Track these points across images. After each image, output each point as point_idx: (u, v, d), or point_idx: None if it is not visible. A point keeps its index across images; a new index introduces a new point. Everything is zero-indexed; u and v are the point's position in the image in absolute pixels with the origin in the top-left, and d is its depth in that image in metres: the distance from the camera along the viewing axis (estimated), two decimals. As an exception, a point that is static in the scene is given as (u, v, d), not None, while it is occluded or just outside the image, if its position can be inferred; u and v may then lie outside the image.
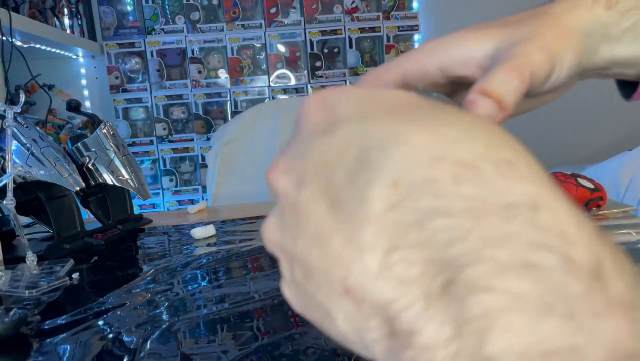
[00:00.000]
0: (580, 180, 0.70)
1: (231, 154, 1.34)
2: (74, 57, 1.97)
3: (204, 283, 0.63)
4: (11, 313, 0.52)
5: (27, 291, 0.61)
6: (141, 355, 0.45)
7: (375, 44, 2.04)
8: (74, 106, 0.90)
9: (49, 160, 0.77)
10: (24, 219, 0.85)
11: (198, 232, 0.82)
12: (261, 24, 1.99)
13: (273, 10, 1.99)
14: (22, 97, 0.73)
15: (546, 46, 0.23)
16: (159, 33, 1.99)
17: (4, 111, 0.71)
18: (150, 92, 2.01)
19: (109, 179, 0.86)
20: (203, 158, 2.05)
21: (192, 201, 2.07)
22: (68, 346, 0.48)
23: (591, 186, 0.69)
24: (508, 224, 0.12)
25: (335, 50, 2.03)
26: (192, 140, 2.05)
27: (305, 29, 2.00)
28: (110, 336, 0.49)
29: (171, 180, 2.09)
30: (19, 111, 0.72)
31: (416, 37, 2.05)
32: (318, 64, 2.03)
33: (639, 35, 0.25)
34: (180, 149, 2.06)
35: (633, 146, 1.24)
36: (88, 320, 0.53)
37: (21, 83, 1.62)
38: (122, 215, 0.91)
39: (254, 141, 1.35)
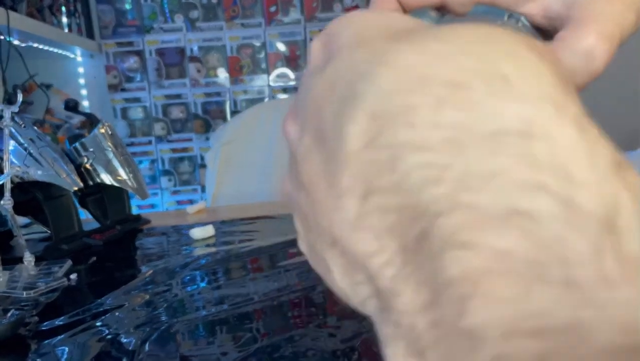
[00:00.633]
0: (580, 180, 0.70)
1: (230, 154, 1.33)
2: (72, 56, 1.97)
3: (203, 284, 0.62)
4: (9, 314, 0.51)
5: (25, 292, 0.61)
6: (140, 356, 0.45)
7: (374, 43, 2.04)
8: (72, 106, 0.89)
9: (47, 160, 0.76)
10: (22, 220, 0.84)
11: (197, 232, 0.82)
12: (261, 22, 1.99)
13: (273, 8, 1.99)
14: (20, 97, 0.72)
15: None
16: (157, 32, 1.98)
17: (2, 110, 0.71)
18: (149, 92, 2.00)
19: (107, 179, 0.86)
20: (202, 158, 2.05)
21: (191, 202, 2.07)
22: (66, 348, 0.48)
23: (592, 186, 0.69)
24: (492, 158, 0.10)
25: (335, 49, 2.03)
26: (191, 140, 2.05)
27: (305, 28, 2.00)
28: (109, 337, 0.49)
29: (170, 180, 2.08)
30: (16, 110, 0.72)
31: (415, 36, 2.04)
32: (317, 63, 2.02)
33: None
34: (179, 149, 2.06)
35: (633, 146, 1.24)
36: (86, 321, 0.53)
37: (19, 82, 1.61)
38: (121, 215, 0.90)
39: (254, 141, 1.35)
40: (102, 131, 0.88)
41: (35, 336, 0.50)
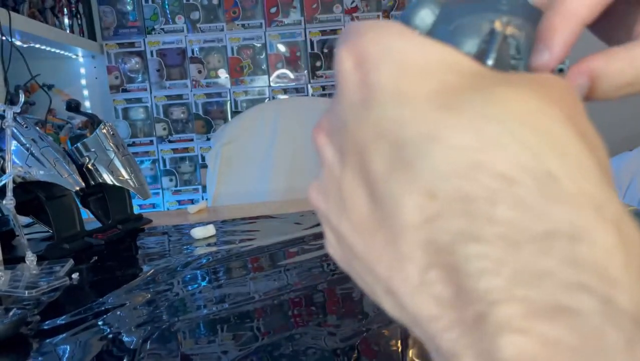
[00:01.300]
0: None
1: (231, 154, 1.34)
2: (74, 57, 1.97)
3: (203, 283, 0.63)
4: (11, 313, 0.52)
5: (27, 291, 0.61)
6: (141, 355, 0.45)
7: (375, 44, 2.04)
8: (73, 106, 0.90)
9: (48, 160, 0.77)
10: (24, 219, 0.85)
11: (198, 232, 0.82)
12: (261, 23, 1.99)
13: (273, 10, 1.99)
14: (22, 97, 0.73)
15: None
16: (158, 33, 1.99)
17: (4, 111, 0.71)
18: (150, 92, 2.01)
19: (108, 179, 0.86)
20: (203, 158, 2.05)
21: (192, 201, 2.07)
22: (68, 347, 0.48)
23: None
24: (543, 258, 0.11)
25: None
26: (192, 140, 2.05)
27: (305, 29, 2.00)
28: (110, 336, 0.49)
29: (171, 180, 2.08)
30: (18, 111, 0.72)
31: (416, 37, 2.04)
32: (318, 64, 2.03)
33: None
34: (180, 149, 2.06)
35: (633, 146, 1.24)
36: (88, 320, 0.53)
37: (21, 83, 1.62)
38: (122, 215, 0.91)
39: (254, 141, 1.35)
40: (104, 131, 0.88)
41: (37, 335, 0.51)
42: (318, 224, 0.85)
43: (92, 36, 1.94)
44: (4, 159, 0.71)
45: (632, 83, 0.18)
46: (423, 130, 0.13)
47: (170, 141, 2.05)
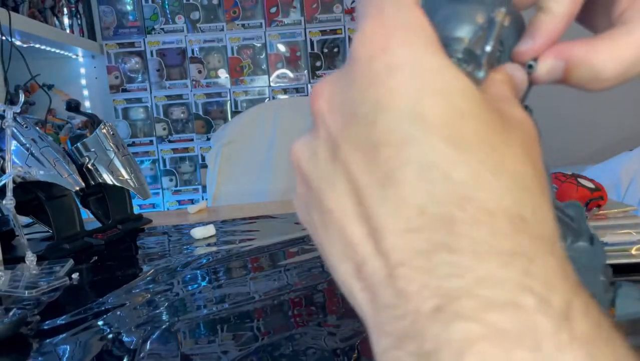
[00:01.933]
0: (580, 180, 0.70)
1: (231, 154, 1.34)
2: (74, 57, 1.97)
3: (204, 283, 0.63)
4: (11, 313, 0.51)
5: (27, 291, 0.61)
6: (141, 355, 0.45)
7: (375, 43, 2.04)
8: (73, 106, 0.90)
9: (48, 160, 0.77)
10: (24, 219, 0.85)
11: (198, 232, 0.82)
12: (261, 23, 1.99)
13: (273, 10, 1.99)
14: (22, 97, 0.73)
15: None
16: (158, 33, 1.99)
17: (4, 111, 0.71)
18: (150, 92, 2.01)
19: (108, 179, 0.86)
20: (203, 158, 2.05)
21: (192, 201, 2.07)
22: (68, 347, 0.48)
23: (591, 186, 0.69)
24: (504, 269, 0.14)
25: (336, 50, 2.03)
26: (192, 140, 2.05)
27: (305, 29, 2.00)
28: (110, 336, 0.49)
29: (171, 180, 2.08)
30: (18, 111, 0.72)
31: (416, 37, 2.04)
32: (318, 63, 2.03)
33: None
34: (180, 149, 2.06)
35: (633, 146, 1.24)
36: (88, 320, 0.53)
37: (21, 83, 1.62)
38: (122, 215, 0.91)
39: (254, 141, 1.35)
40: (104, 131, 0.88)
41: (36, 335, 0.51)
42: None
43: (92, 36, 1.94)
44: (3, 159, 0.71)
45: (609, 78, 0.19)
46: (430, 157, 0.15)
47: (170, 141, 2.05)
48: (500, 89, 0.18)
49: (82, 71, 2.01)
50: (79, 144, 0.87)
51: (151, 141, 2.05)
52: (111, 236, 0.84)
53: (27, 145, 0.75)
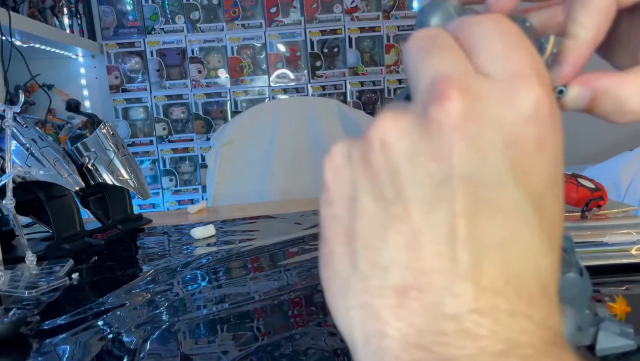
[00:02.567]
0: (580, 180, 0.70)
1: (231, 154, 1.33)
2: (74, 57, 1.97)
3: (203, 283, 0.63)
4: (11, 313, 0.51)
5: (26, 291, 0.61)
6: (141, 355, 0.45)
7: (375, 43, 2.04)
8: (73, 106, 0.90)
9: (48, 160, 0.76)
10: (24, 219, 0.85)
11: (198, 232, 0.82)
12: (261, 23, 1.99)
13: (273, 10, 1.99)
14: (22, 97, 0.73)
15: None
16: (158, 33, 1.99)
17: (4, 110, 0.71)
18: (150, 92, 2.01)
19: (108, 179, 0.86)
20: (203, 158, 2.05)
21: (192, 201, 2.07)
22: (68, 347, 0.48)
23: (591, 186, 0.69)
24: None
25: (336, 50, 2.03)
26: (192, 140, 2.05)
27: (305, 29, 2.00)
28: (110, 336, 0.49)
29: (171, 180, 2.08)
30: (18, 110, 0.72)
31: (416, 37, 2.04)
32: (318, 63, 2.03)
33: None
34: (180, 149, 2.06)
35: (633, 146, 1.24)
36: (88, 320, 0.53)
37: (21, 83, 1.62)
38: (122, 215, 0.91)
39: (254, 141, 1.35)
40: (104, 131, 0.88)
41: (36, 335, 0.51)
42: (318, 224, 0.85)
43: (92, 36, 1.94)
44: (3, 159, 0.71)
45: (634, 111, 0.19)
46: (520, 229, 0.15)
47: (170, 141, 2.05)
48: None
49: (82, 70, 2.01)
50: (78, 144, 0.87)
51: (151, 141, 2.04)
52: (111, 236, 0.84)
53: (27, 145, 0.75)
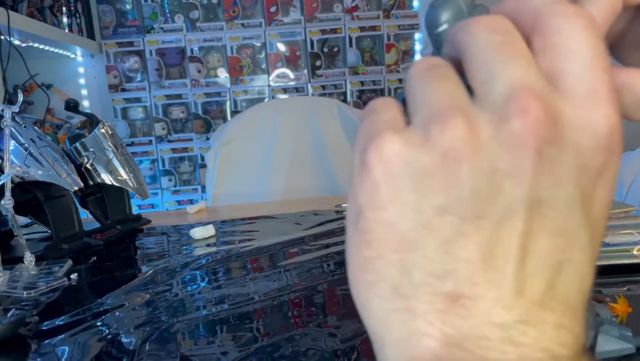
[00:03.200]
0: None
1: (230, 154, 1.33)
2: (73, 56, 1.97)
3: (203, 284, 0.62)
4: (9, 314, 0.51)
5: (25, 292, 0.61)
6: (140, 356, 0.45)
7: (375, 43, 2.03)
8: (72, 106, 0.89)
9: (47, 160, 0.76)
10: (23, 220, 0.84)
11: (197, 232, 0.82)
12: (261, 23, 1.99)
13: (273, 9, 1.99)
14: (21, 97, 0.72)
15: None
16: (158, 32, 1.98)
17: (2, 110, 0.71)
18: (149, 92, 2.00)
19: (107, 179, 0.86)
20: (202, 158, 2.05)
21: (191, 201, 2.07)
22: (67, 347, 0.48)
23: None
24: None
25: (336, 49, 2.03)
26: (191, 140, 2.05)
27: (305, 28, 2.00)
28: (109, 337, 0.49)
29: (170, 180, 2.08)
30: (17, 110, 0.72)
31: (417, 36, 2.04)
32: (318, 63, 2.02)
33: None
34: (180, 149, 2.06)
35: (635, 146, 1.24)
36: (87, 321, 0.53)
37: (19, 82, 1.61)
38: (121, 215, 0.90)
39: (254, 141, 1.35)
40: (103, 131, 0.88)
41: (35, 335, 0.50)
42: (318, 225, 0.85)
43: (91, 35, 1.94)
44: (2, 159, 0.70)
45: None
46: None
47: (169, 141, 2.05)
48: None
49: (81, 70, 2.01)
50: (77, 144, 0.86)
51: (150, 141, 2.04)
52: (110, 237, 0.84)
53: (26, 145, 0.75)
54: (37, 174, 0.74)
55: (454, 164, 0.15)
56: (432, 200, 0.15)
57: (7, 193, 0.68)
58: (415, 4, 2.03)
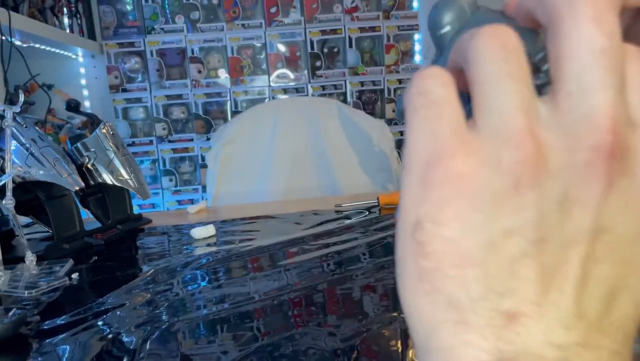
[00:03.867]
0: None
1: (231, 154, 1.33)
2: (74, 56, 1.97)
3: (203, 283, 0.63)
4: (11, 313, 0.51)
5: (26, 292, 0.61)
6: (141, 355, 0.45)
7: (375, 43, 2.04)
8: (73, 106, 0.90)
9: (48, 160, 0.76)
10: (24, 219, 0.85)
11: (198, 232, 0.82)
12: (261, 23, 1.99)
13: (273, 10, 1.99)
14: (22, 97, 0.72)
15: None
16: (158, 33, 1.99)
17: (4, 110, 0.71)
18: (150, 92, 2.01)
19: (108, 179, 0.86)
20: (203, 158, 2.05)
21: (192, 201, 2.07)
22: (68, 347, 0.48)
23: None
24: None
25: (336, 50, 2.03)
26: (192, 140, 2.05)
27: (305, 29, 2.00)
28: (110, 336, 0.49)
29: (171, 180, 2.08)
30: (18, 110, 0.72)
31: (416, 36, 2.05)
32: (318, 63, 2.03)
33: None
34: (180, 149, 2.06)
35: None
36: (88, 320, 0.53)
37: (21, 83, 1.62)
38: (122, 215, 0.91)
39: (254, 141, 1.35)
40: (104, 131, 0.88)
41: (36, 335, 0.51)
42: (318, 224, 0.85)
43: (91, 36, 1.94)
44: (3, 159, 0.71)
45: None
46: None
47: (170, 141, 2.05)
48: None
49: (82, 70, 2.01)
50: (78, 144, 0.87)
51: (151, 141, 2.04)
52: (111, 236, 0.84)
53: (27, 145, 0.75)
54: (38, 174, 0.74)
55: (526, 190, 0.15)
56: (500, 222, 0.15)
57: (9, 193, 0.68)
58: (415, 4, 2.03)
